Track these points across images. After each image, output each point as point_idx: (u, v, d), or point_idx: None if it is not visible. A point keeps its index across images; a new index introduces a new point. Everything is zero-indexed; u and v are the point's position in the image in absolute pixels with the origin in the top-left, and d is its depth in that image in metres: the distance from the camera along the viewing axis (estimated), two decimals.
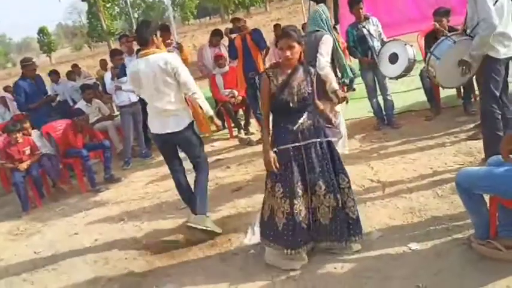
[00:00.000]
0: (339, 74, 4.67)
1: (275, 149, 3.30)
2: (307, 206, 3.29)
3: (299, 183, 3.25)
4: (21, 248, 4.84)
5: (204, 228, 3.98)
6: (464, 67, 4.14)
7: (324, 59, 4.33)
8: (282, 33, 3.28)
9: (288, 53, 3.23)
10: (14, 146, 6.08)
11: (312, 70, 3.40)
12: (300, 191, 3.25)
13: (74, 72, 11.09)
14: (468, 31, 4.20)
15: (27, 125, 6.46)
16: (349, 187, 3.35)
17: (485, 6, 3.83)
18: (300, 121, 3.28)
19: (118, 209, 5.37)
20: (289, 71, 3.30)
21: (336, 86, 4.42)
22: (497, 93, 4.12)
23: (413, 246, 3.28)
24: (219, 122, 4.31)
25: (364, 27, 5.88)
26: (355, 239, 3.34)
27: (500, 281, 2.73)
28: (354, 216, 3.34)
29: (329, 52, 4.42)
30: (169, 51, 7.21)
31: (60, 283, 3.92)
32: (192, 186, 4.25)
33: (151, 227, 4.62)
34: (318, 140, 3.31)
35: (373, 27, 5.92)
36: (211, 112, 4.19)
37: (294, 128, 3.28)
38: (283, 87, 3.27)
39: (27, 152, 6.13)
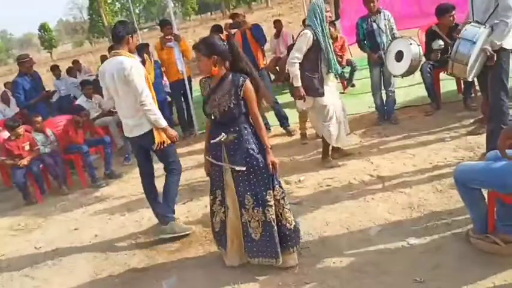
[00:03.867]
0: (334, 68, 4.76)
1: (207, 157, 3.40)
2: (236, 218, 3.30)
3: (225, 195, 3.31)
4: (22, 243, 4.86)
5: (173, 235, 4.10)
6: (490, 54, 3.89)
7: (292, 55, 4.65)
8: (193, 46, 3.30)
9: (198, 65, 3.26)
10: (13, 141, 6.10)
11: (241, 81, 3.13)
12: (227, 202, 3.31)
13: (74, 68, 11.10)
14: (479, 22, 3.99)
15: (39, 118, 6.40)
16: (284, 197, 3.26)
17: None
18: (220, 137, 3.19)
19: (118, 204, 5.38)
20: (215, 83, 3.25)
21: (295, 83, 4.66)
22: (508, 85, 4.07)
23: (412, 240, 3.29)
24: (173, 133, 4.07)
25: (374, 21, 5.79)
26: (292, 250, 3.28)
27: (498, 274, 2.74)
28: (291, 226, 3.26)
29: (300, 48, 4.66)
30: (168, 46, 7.28)
31: (61, 278, 3.94)
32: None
33: (152, 222, 4.62)
34: (230, 166, 3.21)
35: (383, 21, 5.76)
36: (161, 124, 3.98)
37: (214, 141, 3.22)
38: (207, 99, 3.26)
39: (27, 147, 6.14)
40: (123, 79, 3.84)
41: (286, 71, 5.32)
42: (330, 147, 5.10)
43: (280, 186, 3.27)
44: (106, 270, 3.90)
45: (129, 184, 6.04)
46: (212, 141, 3.24)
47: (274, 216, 3.18)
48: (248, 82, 3.14)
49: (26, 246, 4.75)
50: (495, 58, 3.91)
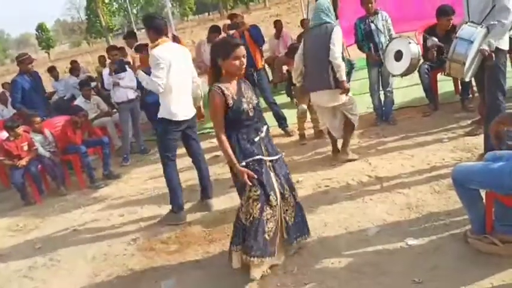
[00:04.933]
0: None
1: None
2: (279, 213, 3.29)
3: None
4: (20, 243, 4.86)
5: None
6: (488, 54, 3.85)
7: (336, 49, 4.71)
8: (234, 44, 3.14)
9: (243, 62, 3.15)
10: (12, 141, 6.09)
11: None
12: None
13: (76, 68, 11.07)
14: (475, 23, 3.96)
15: (38, 119, 6.40)
16: None
17: None
18: (264, 129, 3.34)
19: (117, 205, 5.38)
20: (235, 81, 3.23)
21: (343, 76, 4.69)
22: (505, 86, 4.07)
23: (411, 241, 3.30)
24: None
25: (372, 22, 5.82)
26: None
27: (496, 275, 2.76)
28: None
29: (340, 43, 4.79)
30: None
31: (59, 279, 3.95)
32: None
33: (150, 222, 4.64)
34: (272, 158, 3.31)
35: (381, 22, 5.82)
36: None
37: (262, 135, 3.28)
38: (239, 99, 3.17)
39: (25, 148, 6.14)
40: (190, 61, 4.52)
41: (285, 72, 5.40)
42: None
43: None
44: (105, 271, 3.90)
45: (128, 185, 6.04)
46: (260, 135, 3.24)
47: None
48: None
49: (25, 246, 4.75)
50: (494, 57, 3.90)
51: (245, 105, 3.16)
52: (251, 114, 3.19)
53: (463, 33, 3.90)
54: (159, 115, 4.39)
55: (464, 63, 3.89)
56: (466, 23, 4.00)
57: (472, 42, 3.83)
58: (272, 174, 3.25)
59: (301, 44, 5.05)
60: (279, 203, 3.23)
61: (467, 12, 4.12)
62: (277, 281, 3.20)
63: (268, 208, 3.17)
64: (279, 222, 3.27)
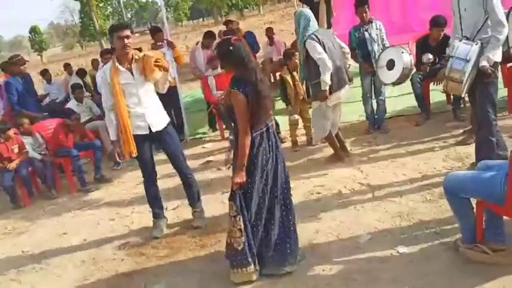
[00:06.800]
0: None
1: None
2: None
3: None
4: (9, 247, 4.81)
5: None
6: (490, 70, 3.87)
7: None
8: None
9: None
10: (2, 144, 6.03)
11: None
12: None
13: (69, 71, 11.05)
14: (468, 37, 3.99)
15: (27, 121, 6.35)
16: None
17: (500, 9, 3.78)
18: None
19: (108, 209, 5.35)
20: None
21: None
22: (496, 98, 4.08)
23: (402, 249, 3.31)
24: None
25: (366, 30, 5.87)
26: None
27: (486, 284, 2.77)
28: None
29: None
30: (160, 52, 7.28)
31: (48, 283, 3.91)
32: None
33: (141, 227, 4.61)
34: None
35: (375, 31, 5.88)
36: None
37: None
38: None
39: (16, 150, 6.09)
40: None
41: (278, 76, 5.52)
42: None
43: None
44: (94, 275, 3.87)
45: (119, 189, 6.01)
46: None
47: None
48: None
49: (13, 250, 4.70)
50: (496, 74, 3.91)
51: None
52: None
53: (459, 52, 3.90)
54: None
55: (461, 82, 3.91)
56: (461, 40, 3.99)
57: (468, 61, 3.85)
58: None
59: (320, 46, 4.98)
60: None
61: (459, 26, 4.11)
62: None
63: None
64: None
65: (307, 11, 5.25)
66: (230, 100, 3.13)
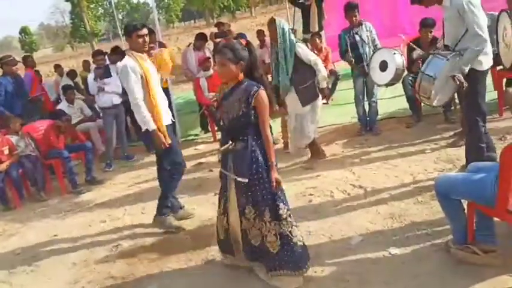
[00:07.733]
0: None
1: None
2: (237, 226, 3.22)
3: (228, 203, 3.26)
4: (0, 249, 4.78)
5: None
6: (459, 81, 3.91)
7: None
8: (216, 50, 3.25)
9: (219, 70, 3.13)
10: None
11: (254, 89, 3.00)
12: (228, 210, 3.26)
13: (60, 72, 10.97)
14: (450, 46, 4.09)
15: (18, 124, 6.30)
16: (290, 215, 3.16)
17: (477, 20, 3.80)
18: (227, 145, 3.11)
19: (99, 211, 5.32)
20: (228, 88, 3.14)
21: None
22: (483, 106, 4.09)
23: (393, 250, 3.33)
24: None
25: (356, 33, 5.91)
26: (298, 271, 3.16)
27: (477, 284, 2.79)
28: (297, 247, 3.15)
29: None
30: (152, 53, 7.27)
31: (39, 285, 3.88)
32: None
33: (133, 229, 4.59)
34: (233, 176, 3.11)
35: (365, 33, 5.93)
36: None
37: (222, 148, 3.15)
38: (218, 104, 3.21)
39: (6, 151, 6.04)
40: None
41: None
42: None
43: (285, 204, 3.14)
44: (85, 277, 3.84)
45: (110, 190, 5.98)
46: (221, 148, 3.20)
47: (289, 230, 3.10)
48: (262, 91, 3.01)
49: (4, 252, 4.66)
50: (465, 84, 3.92)
51: (219, 114, 3.19)
52: (222, 123, 3.21)
53: (429, 68, 4.05)
54: None
55: (429, 97, 4.12)
56: (435, 55, 4.11)
57: (435, 78, 3.99)
58: (232, 187, 3.19)
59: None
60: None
61: (443, 35, 4.26)
62: None
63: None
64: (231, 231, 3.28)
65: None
66: (259, 101, 3.01)
